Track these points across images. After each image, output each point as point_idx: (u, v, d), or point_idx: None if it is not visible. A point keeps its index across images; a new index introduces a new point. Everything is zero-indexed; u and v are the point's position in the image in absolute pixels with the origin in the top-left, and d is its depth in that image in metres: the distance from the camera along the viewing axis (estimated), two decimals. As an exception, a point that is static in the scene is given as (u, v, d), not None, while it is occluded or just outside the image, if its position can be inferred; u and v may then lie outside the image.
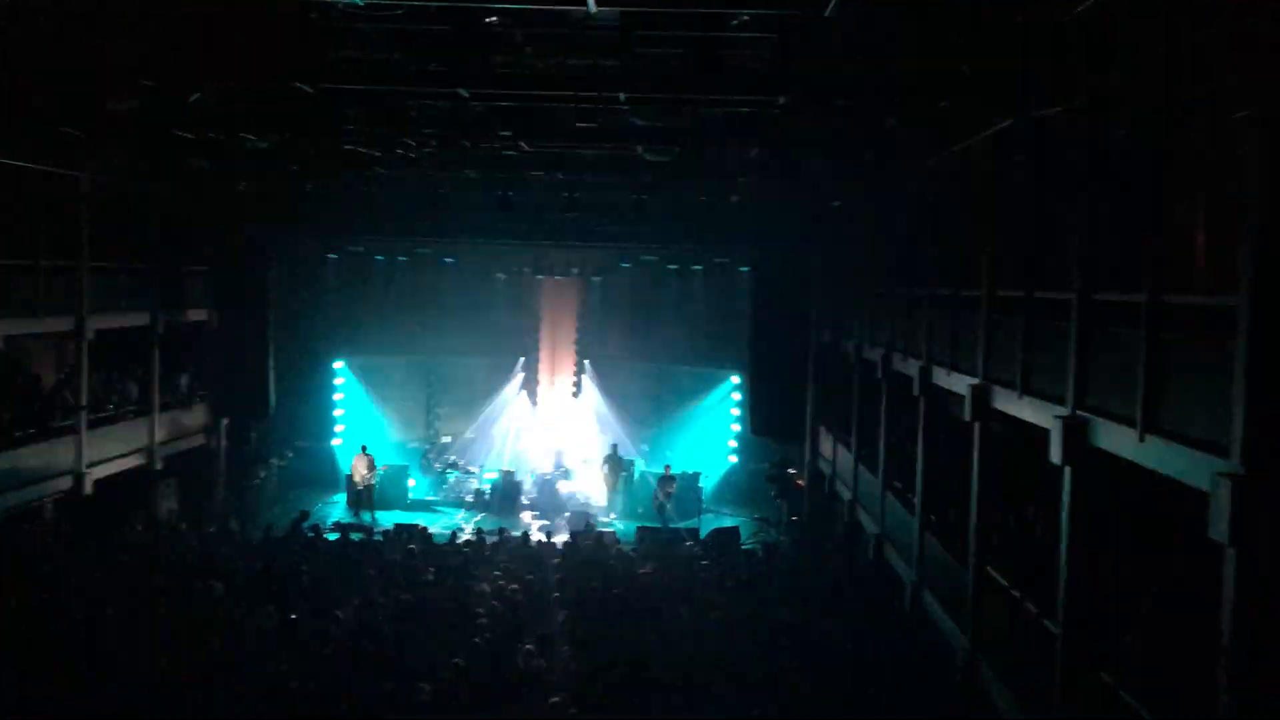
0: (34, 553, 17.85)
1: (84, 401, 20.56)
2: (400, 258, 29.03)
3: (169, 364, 24.24)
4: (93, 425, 20.94)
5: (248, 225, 25.46)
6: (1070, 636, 10.18)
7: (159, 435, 23.44)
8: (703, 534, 23.31)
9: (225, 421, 26.42)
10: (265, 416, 26.27)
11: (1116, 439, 9.31)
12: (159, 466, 23.46)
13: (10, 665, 12.82)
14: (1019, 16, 10.16)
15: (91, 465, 20.68)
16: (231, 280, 25.61)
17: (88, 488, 20.42)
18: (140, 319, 22.72)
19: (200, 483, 25.46)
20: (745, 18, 11.10)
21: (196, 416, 25.62)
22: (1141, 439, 8.72)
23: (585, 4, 9.19)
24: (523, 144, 16.63)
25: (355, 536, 21.57)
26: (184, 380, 25.21)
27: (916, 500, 16.22)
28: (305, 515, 22.90)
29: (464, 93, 13.07)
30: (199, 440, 25.63)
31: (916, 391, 16.33)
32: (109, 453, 21.54)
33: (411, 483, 27.37)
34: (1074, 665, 10.07)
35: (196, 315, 25.20)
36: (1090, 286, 10.22)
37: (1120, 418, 9.25)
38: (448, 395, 30.22)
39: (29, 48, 12.18)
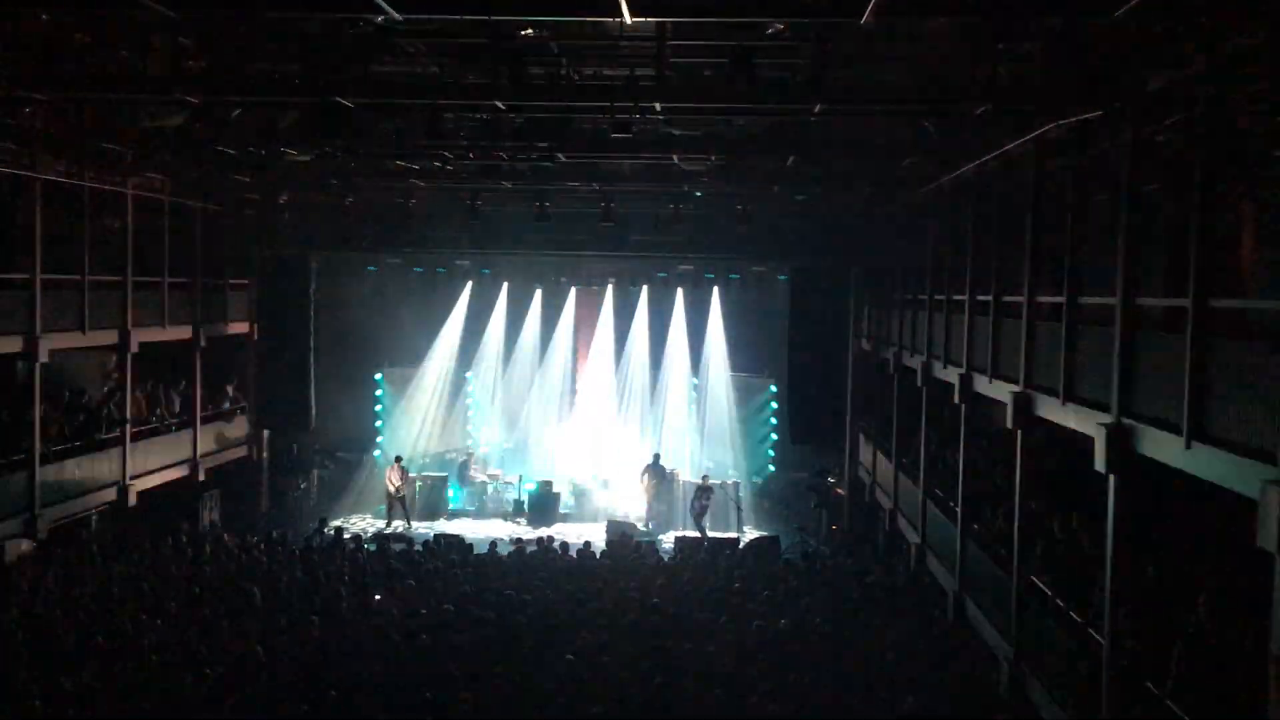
0: (79, 563, 18.10)
1: (128, 414, 20.83)
2: (439, 270, 29.17)
3: (211, 377, 24.53)
4: (136, 438, 21.24)
5: (288, 238, 25.73)
6: (1116, 646, 10.05)
7: (202, 447, 23.71)
8: (741, 544, 23.22)
9: (267, 433, 26.69)
10: (306, 428, 26.49)
11: (1162, 446, 9.20)
12: (202, 478, 23.73)
13: (56, 672, 12.98)
14: (1058, 20, 10.09)
15: (135, 477, 20.96)
16: (272, 293, 25.90)
17: (132, 499, 20.68)
18: (183, 332, 23.02)
19: (242, 494, 25.73)
20: (780, 26, 11.09)
21: (238, 428, 25.91)
22: (1188, 446, 8.60)
23: (621, 15, 9.21)
24: (559, 155, 16.70)
25: (395, 547, 21.68)
26: (226, 393, 25.50)
27: (958, 509, 16.08)
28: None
29: (501, 105, 13.15)
30: (241, 452, 25.91)
31: (957, 399, 16.21)
32: (152, 464, 21.83)
33: (450, 493, 27.48)
34: (1120, 675, 9.93)
35: (238, 328, 25.49)
36: (1134, 291, 10.10)
37: (1166, 424, 9.13)
38: (486, 406, 30.29)
39: (74, 65, 12.38)
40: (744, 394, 28.74)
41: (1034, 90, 11.84)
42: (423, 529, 24.93)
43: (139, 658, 13.74)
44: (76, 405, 20.46)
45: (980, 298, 15.44)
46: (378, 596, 17.08)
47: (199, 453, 23.60)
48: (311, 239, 25.77)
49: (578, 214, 23.35)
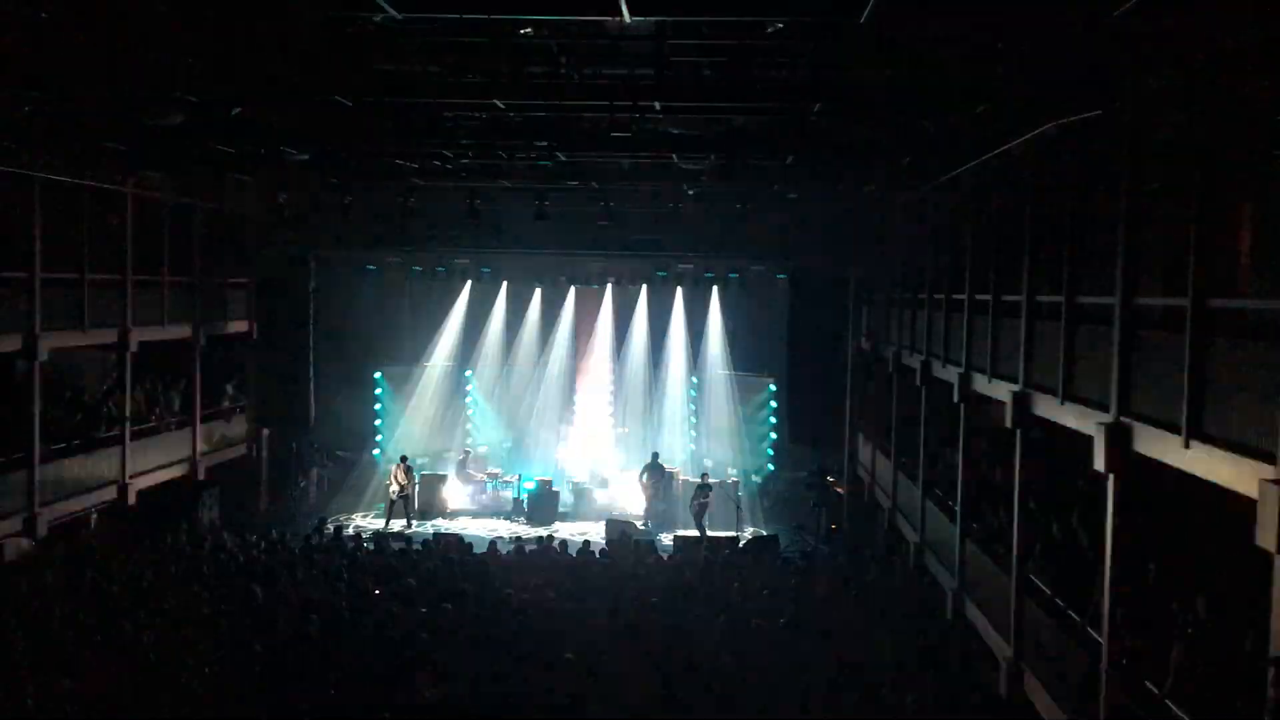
0: (79, 563, 18.09)
1: (128, 413, 20.83)
2: (439, 269, 29.18)
3: (211, 375, 24.53)
4: (136, 436, 21.24)
5: (288, 237, 25.73)
6: (1115, 645, 10.06)
7: (201, 446, 23.72)
8: (741, 543, 23.23)
9: (266, 432, 26.69)
10: (306, 427, 26.49)
11: (1161, 445, 9.20)
12: (201, 477, 23.73)
13: (56, 672, 12.99)
14: (1058, 18, 10.08)
15: (135, 476, 20.97)
16: (272, 292, 25.90)
17: (131, 498, 20.69)
18: (183, 331, 23.03)
19: (242, 493, 25.72)
20: (780, 25, 11.08)
21: (238, 427, 25.91)
22: (1187, 445, 8.61)
23: (620, 14, 9.21)
24: (559, 154, 16.69)
25: (395, 546, 21.69)
26: (226, 391, 25.50)
27: (957, 508, 16.09)
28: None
29: (500, 104, 13.14)
30: (241, 451, 25.92)
31: (956, 398, 16.21)
32: (152, 463, 21.84)
33: (450, 492, 27.49)
34: (1120, 675, 9.94)
35: (238, 327, 25.48)
36: (1133, 291, 10.11)
37: (1165, 424, 9.13)
38: (485, 404, 30.30)
39: (73, 63, 12.37)
40: (743, 393, 28.74)
41: (1034, 90, 11.83)
42: (422, 528, 24.97)
43: (139, 658, 13.74)
44: (76, 404, 20.46)
45: (979, 297, 15.44)
46: (377, 591, 17.11)
47: (198, 452, 23.61)
48: (311, 239, 25.77)
49: (577, 213, 23.35)
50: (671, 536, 23.97)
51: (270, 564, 18.78)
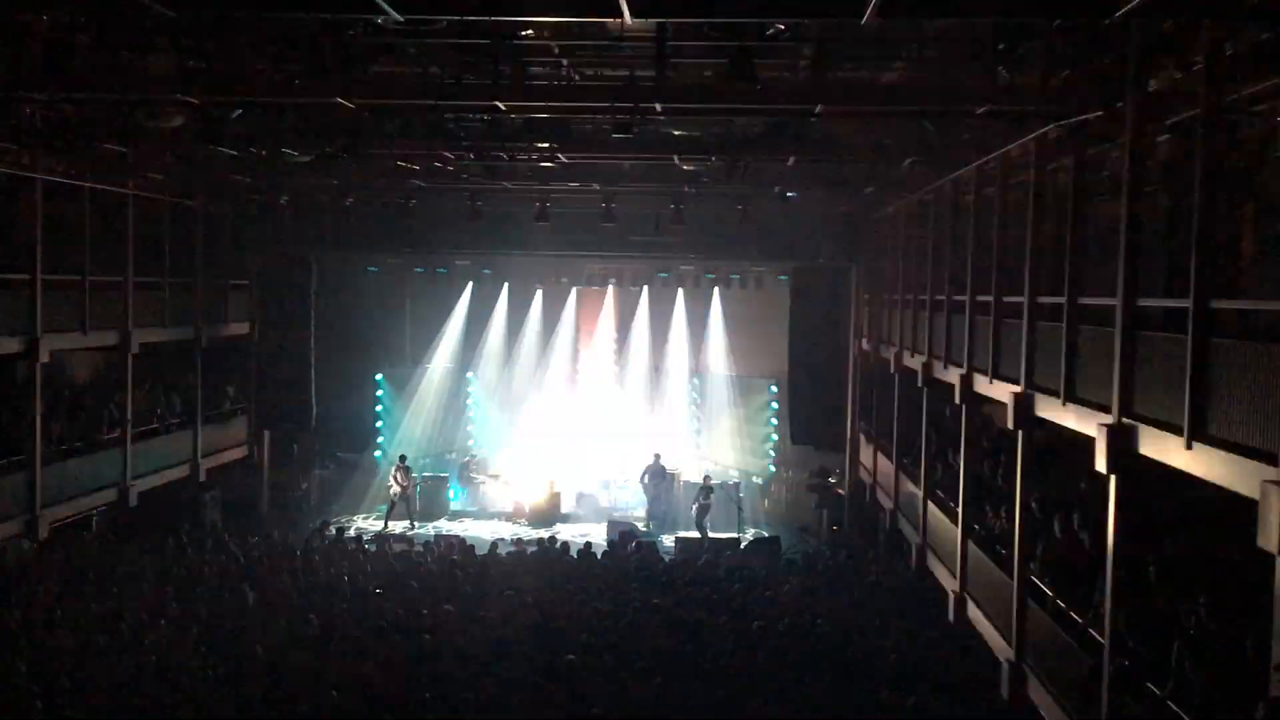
0: (80, 564, 18.10)
1: (129, 415, 20.82)
2: (439, 270, 29.17)
3: (212, 377, 24.52)
4: (137, 438, 21.23)
5: (288, 238, 25.72)
6: (1116, 646, 10.04)
7: (202, 448, 23.70)
8: (742, 544, 23.22)
9: (267, 433, 26.68)
10: (306, 428, 26.48)
11: (1163, 446, 9.19)
12: (202, 478, 23.72)
13: (56, 672, 12.99)
14: (1058, 20, 10.08)
15: (136, 478, 20.95)
16: (273, 294, 25.89)
17: (133, 500, 20.68)
18: (184, 333, 23.04)
19: (243, 494, 25.73)
20: (781, 27, 11.07)
21: (239, 429, 25.90)
22: (1189, 446, 8.59)
23: (621, 15, 9.20)
24: (560, 156, 16.68)
25: (396, 548, 21.69)
26: (227, 393, 25.49)
27: (959, 509, 16.07)
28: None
29: (501, 105, 13.14)
30: (242, 452, 25.92)
31: (958, 399, 16.20)
32: (153, 465, 21.83)
33: (450, 494, 27.51)
34: (1120, 675, 9.92)
35: (239, 329, 25.48)
36: (1134, 292, 10.10)
37: (1167, 425, 9.12)
38: (486, 406, 30.29)
39: (75, 66, 12.37)
40: (744, 394, 28.75)
41: (1034, 90, 11.81)
42: (424, 529, 24.98)
43: (139, 658, 13.74)
44: (77, 405, 20.46)
45: (981, 298, 15.43)
46: (379, 590, 17.12)
47: (199, 453, 23.60)
48: (311, 239, 25.76)
49: (578, 214, 23.34)
50: (673, 538, 23.97)
51: (270, 566, 18.76)
